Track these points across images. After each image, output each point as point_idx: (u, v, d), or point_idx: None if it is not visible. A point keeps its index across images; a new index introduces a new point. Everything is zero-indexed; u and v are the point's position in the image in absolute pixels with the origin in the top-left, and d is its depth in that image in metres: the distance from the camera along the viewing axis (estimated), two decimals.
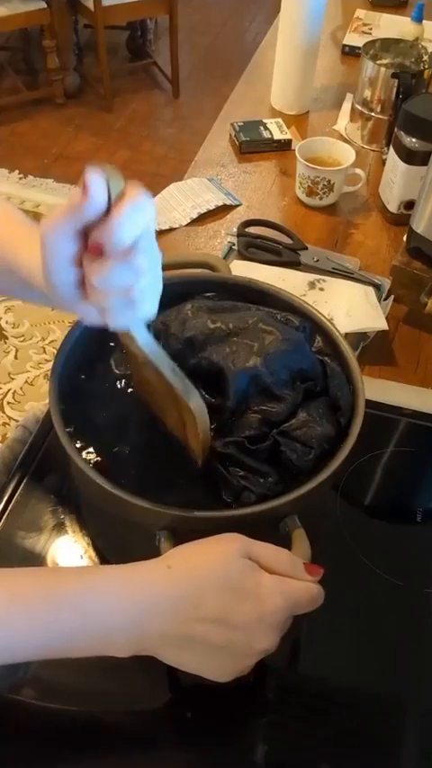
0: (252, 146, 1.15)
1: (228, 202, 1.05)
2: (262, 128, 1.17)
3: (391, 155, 0.97)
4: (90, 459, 0.51)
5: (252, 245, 0.95)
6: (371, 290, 0.86)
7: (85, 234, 0.40)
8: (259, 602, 0.42)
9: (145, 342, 0.46)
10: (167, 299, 0.63)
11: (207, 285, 0.60)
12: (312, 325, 0.60)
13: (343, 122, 1.23)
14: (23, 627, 0.43)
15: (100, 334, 0.60)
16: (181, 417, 0.50)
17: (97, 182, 0.37)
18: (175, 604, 0.43)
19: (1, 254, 0.51)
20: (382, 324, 0.82)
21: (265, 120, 1.19)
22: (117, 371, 0.58)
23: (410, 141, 0.93)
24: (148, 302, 0.43)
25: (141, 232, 0.39)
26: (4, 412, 1.80)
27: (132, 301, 0.41)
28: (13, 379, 1.89)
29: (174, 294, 0.64)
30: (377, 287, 0.89)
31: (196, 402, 0.48)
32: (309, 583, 0.45)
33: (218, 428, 0.52)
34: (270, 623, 0.43)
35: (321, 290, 0.87)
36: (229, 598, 0.42)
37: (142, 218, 0.39)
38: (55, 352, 0.56)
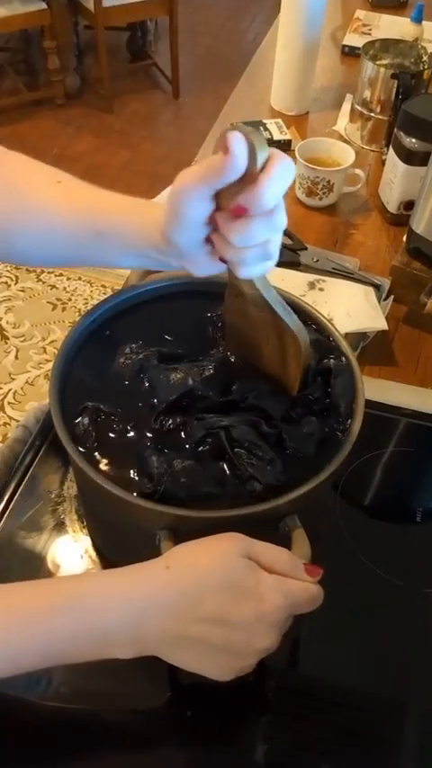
0: None
1: None
2: (262, 128, 1.17)
3: (391, 155, 0.97)
4: (90, 459, 0.51)
5: None
6: (371, 290, 0.86)
7: (218, 193, 0.41)
8: (259, 601, 0.42)
9: (265, 288, 0.48)
10: (167, 300, 0.64)
11: (207, 285, 0.60)
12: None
13: (342, 123, 1.23)
14: (25, 638, 0.43)
15: (100, 334, 0.60)
16: (281, 345, 0.53)
17: (241, 144, 0.38)
18: (174, 603, 0.43)
19: (85, 221, 0.51)
20: (381, 324, 0.82)
21: (264, 121, 1.19)
22: (118, 371, 0.58)
23: (410, 142, 0.93)
24: (278, 252, 0.44)
25: (285, 192, 0.41)
26: (4, 412, 1.80)
27: (268, 254, 0.43)
28: (13, 379, 1.89)
29: (173, 295, 0.64)
30: (377, 287, 0.89)
31: (298, 327, 0.51)
32: (308, 583, 0.45)
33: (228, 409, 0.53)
34: (270, 622, 0.43)
35: (321, 290, 0.87)
36: (228, 597, 0.42)
37: (288, 179, 0.40)
38: (55, 352, 0.56)
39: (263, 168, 0.40)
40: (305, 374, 0.54)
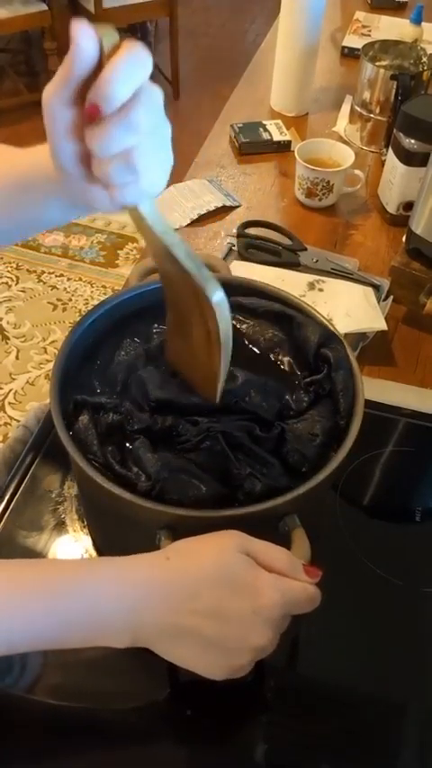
0: (252, 147, 1.16)
1: (227, 203, 1.05)
2: (262, 129, 1.17)
3: (390, 156, 0.97)
4: (90, 459, 0.51)
5: (252, 246, 0.95)
6: (370, 290, 0.86)
7: (84, 100, 0.38)
8: (255, 596, 0.42)
9: (153, 219, 0.42)
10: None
11: None
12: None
13: (342, 124, 1.23)
14: (22, 616, 0.43)
15: (101, 334, 0.60)
16: (203, 319, 0.44)
17: (85, 33, 0.36)
18: (170, 594, 0.43)
19: (11, 177, 0.50)
20: (381, 324, 0.82)
21: (264, 122, 1.19)
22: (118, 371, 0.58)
23: (409, 142, 0.93)
24: (153, 171, 0.40)
25: (139, 85, 0.37)
26: (5, 412, 1.80)
27: (133, 167, 0.39)
28: (14, 379, 1.89)
29: None
30: (376, 287, 0.89)
31: (215, 293, 0.42)
32: (306, 583, 0.45)
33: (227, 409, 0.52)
34: (265, 619, 0.43)
35: (321, 290, 0.87)
36: (224, 591, 0.42)
37: (138, 68, 0.37)
38: (56, 352, 0.56)
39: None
40: (309, 359, 0.52)
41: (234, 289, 0.63)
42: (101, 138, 0.38)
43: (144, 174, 0.40)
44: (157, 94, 0.39)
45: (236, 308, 0.60)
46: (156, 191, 0.42)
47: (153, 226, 0.42)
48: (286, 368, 0.59)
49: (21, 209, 0.52)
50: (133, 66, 0.37)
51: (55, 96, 0.39)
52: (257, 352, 0.60)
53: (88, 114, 0.38)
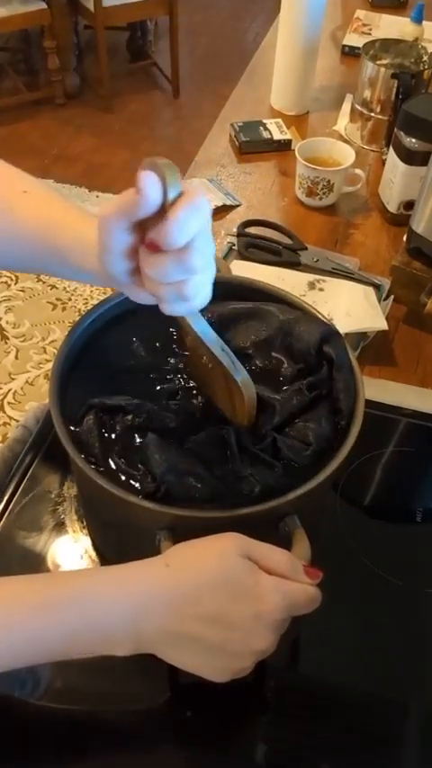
0: (252, 146, 1.16)
1: (228, 203, 1.05)
2: (262, 128, 1.17)
3: (391, 155, 0.97)
4: (90, 459, 0.51)
5: (252, 246, 0.95)
6: (371, 290, 0.86)
7: (142, 226, 0.41)
8: (257, 601, 0.42)
9: (198, 326, 0.48)
10: None
11: None
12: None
13: (343, 123, 1.23)
14: (23, 632, 0.43)
15: (100, 334, 0.60)
16: (229, 391, 0.53)
17: (151, 182, 0.38)
18: (172, 601, 0.43)
19: (45, 235, 0.51)
20: (381, 324, 0.82)
21: (264, 121, 1.19)
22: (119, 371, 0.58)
23: (410, 141, 0.93)
24: (199, 296, 0.44)
25: (196, 233, 0.40)
26: (4, 412, 1.80)
27: (183, 296, 0.42)
28: (13, 379, 1.89)
29: None
30: (377, 287, 0.89)
31: (243, 377, 0.51)
32: (307, 585, 0.44)
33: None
34: (267, 622, 0.43)
35: (321, 290, 0.87)
36: (226, 596, 0.42)
37: (197, 219, 0.39)
38: (55, 352, 0.56)
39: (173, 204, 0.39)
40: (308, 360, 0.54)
41: (234, 288, 0.63)
42: (156, 268, 0.41)
43: (191, 300, 0.43)
44: (208, 233, 0.42)
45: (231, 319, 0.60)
46: (200, 307, 0.45)
47: (196, 330, 0.48)
48: (285, 364, 0.58)
49: (41, 265, 0.54)
50: (193, 217, 0.39)
51: (115, 221, 0.40)
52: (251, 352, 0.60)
53: (149, 246, 0.41)
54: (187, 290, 0.42)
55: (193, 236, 0.40)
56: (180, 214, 0.38)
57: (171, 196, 0.38)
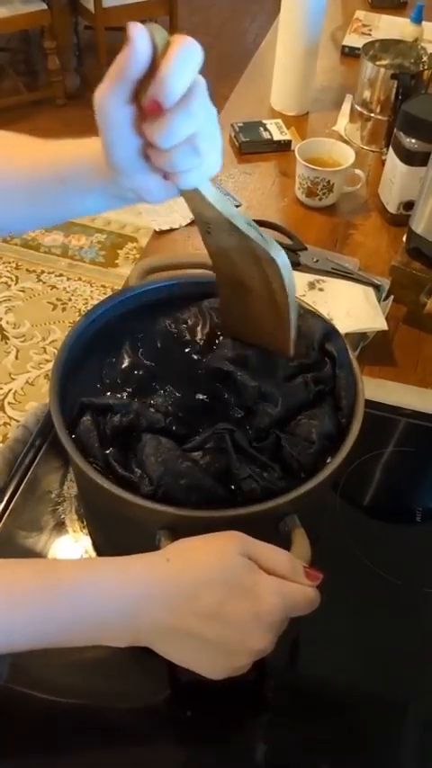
0: (252, 146, 1.16)
1: None
2: (262, 128, 1.17)
3: (391, 155, 0.97)
4: (90, 459, 0.51)
5: None
6: (370, 290, 0.86)
7: (138, 101, 0.40)
8: (256, 600, 0.42)
9: (215, 197, 0.46)
10: (167, 300, 0.64)
11: (207, 286, 0.60)
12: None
13: (342, 123, 1.23)
14: (22, 617, 0.43)
15: (100, 334, 0.60)
16: (264, 280, 0.49)
17: (139, 33, 0.37)
18: (170, 596, 0.43)
19: (47, 168, 0.51)
20: (381, 324, 0.82)
21: (264, 121, 1.19)
22: (119, 372, 0.58)
23: (410, 142, 0.93)
24: (212, 153, 0.43)
25: (194, 77, 0.39)
26: (4, 412, 1.80)
27: (198, 151, 0.41)
28: (13, 379, 1.89)
29: (173, 295, 0.64)
30: (377, 287, 0.89)
31: (277, 251, 0.48)
32: (306, 586, 0.44)
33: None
34: (265, 623, 0.43)
35: (321, 290, 0.87)
36: (225, 594, 0.42)
37: (193, 61, 0.39)
38: (56, 352, 0.56)
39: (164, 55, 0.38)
40: (307, 343, 0.53)
41: None
42: (164, 130, 0.40)
43: (205, 157, 0.42)
44: (203, 83, 0.41)
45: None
46: (213, 171, 0.44)
47: (215, 203, 0.45)
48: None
49: (53, 199, 0.53)
50: (188, 60, 0.38)
51: (111, 96, 0.40)
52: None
53: (149, 110, 0.39)
54: (198, 142, 0.41)
55: (192, 82, 0.39)
56: (173, 58, 0.38)
57: (160, 45, 0.38)
